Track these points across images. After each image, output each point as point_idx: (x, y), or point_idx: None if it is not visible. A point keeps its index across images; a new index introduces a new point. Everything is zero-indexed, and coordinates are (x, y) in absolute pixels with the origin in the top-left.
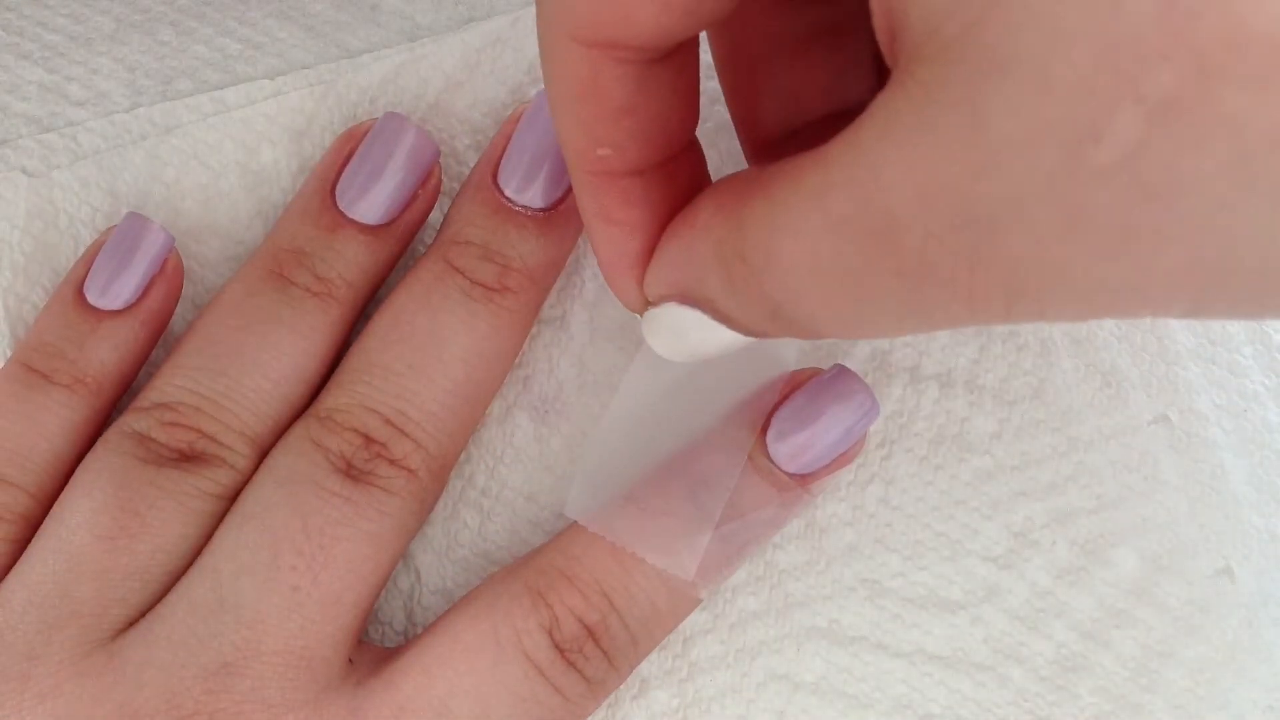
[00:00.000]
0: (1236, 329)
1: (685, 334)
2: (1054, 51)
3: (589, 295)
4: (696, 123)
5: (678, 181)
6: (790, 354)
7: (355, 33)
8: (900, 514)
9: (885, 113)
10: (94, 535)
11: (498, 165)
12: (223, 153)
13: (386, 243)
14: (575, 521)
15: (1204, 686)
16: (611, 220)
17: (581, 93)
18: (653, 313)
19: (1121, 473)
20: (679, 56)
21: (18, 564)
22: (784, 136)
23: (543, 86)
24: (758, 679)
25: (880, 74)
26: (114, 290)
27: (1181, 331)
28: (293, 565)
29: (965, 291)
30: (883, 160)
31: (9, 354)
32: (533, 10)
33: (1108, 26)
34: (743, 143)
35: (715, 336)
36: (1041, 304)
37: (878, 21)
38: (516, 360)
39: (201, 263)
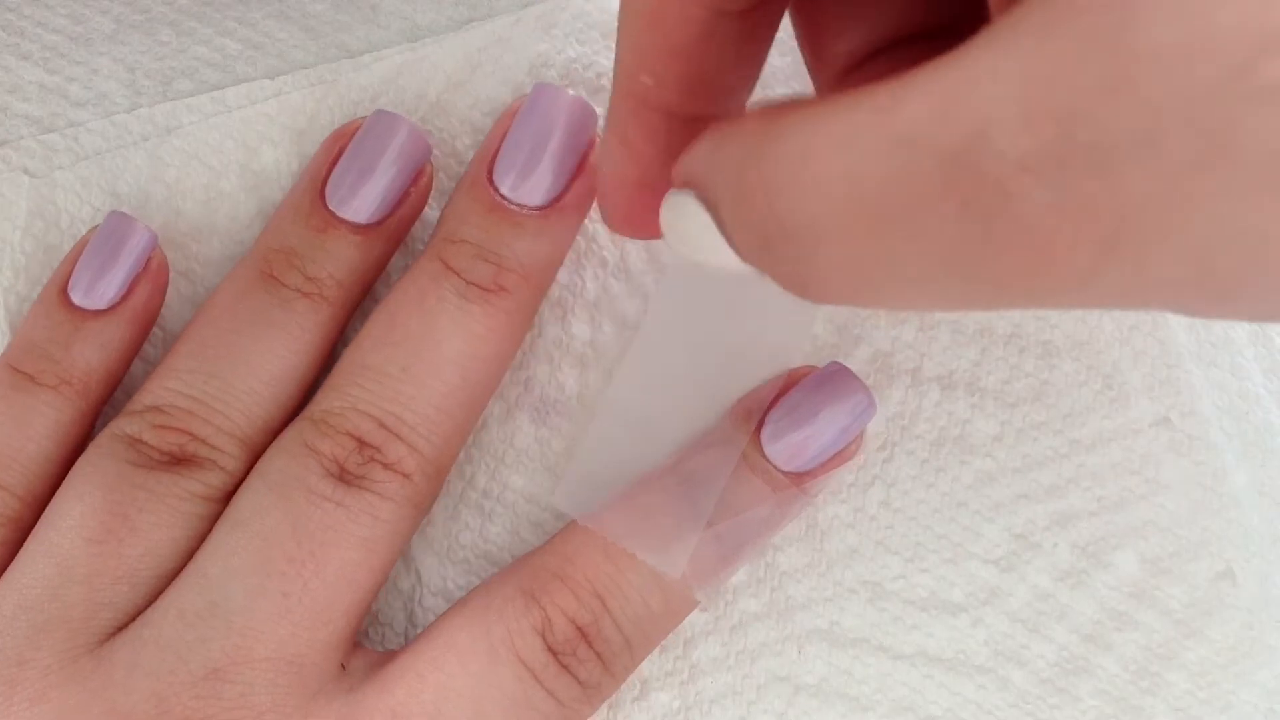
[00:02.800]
0: (1238, 331)
1: (689, 226)
2: None
3: (590, 296)
4: (748, 92)
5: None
6: (795, 353)
7: (355, 33)
8: (901, 516)
9: (1008, 20)
10: (83, 539)
11: (493, 162)
12: (224, 153)
13: (378, 242)
14: (569, 522)
15: (1205, 689)
16: (627, 143)
17: (646, 17)
18: (672, 197)
19: (1123, 475)
20: (755, 16)
21: (8, 569)
22: (853, 65)
23: (540, 81)
24: (759, 681)
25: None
26: (98, 290)
27: (1183, 333)
28: (283, 571)
29: (1046, 240)
30: (987, 69)
31: None
32: (533, 11)
33: None
34: (817, 82)
35: (713, 244)
36: (1140, 267)
37: None
38: (517, 361)
39: (203, 263)
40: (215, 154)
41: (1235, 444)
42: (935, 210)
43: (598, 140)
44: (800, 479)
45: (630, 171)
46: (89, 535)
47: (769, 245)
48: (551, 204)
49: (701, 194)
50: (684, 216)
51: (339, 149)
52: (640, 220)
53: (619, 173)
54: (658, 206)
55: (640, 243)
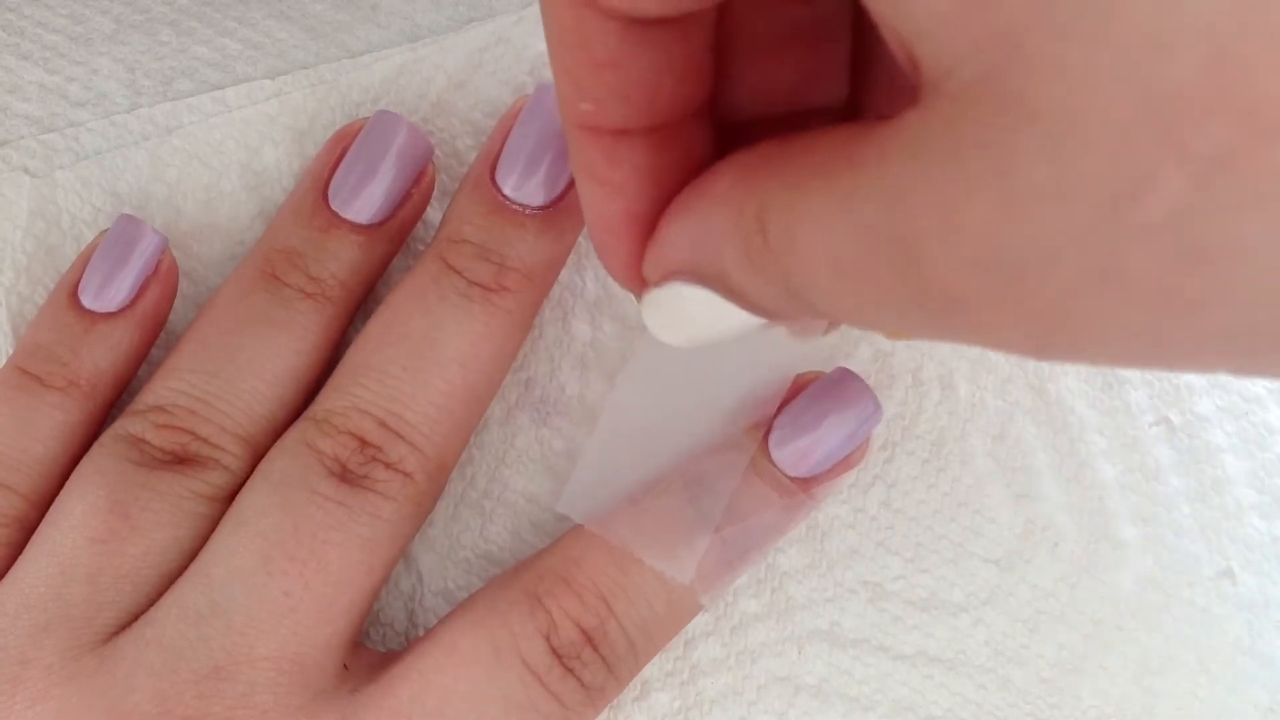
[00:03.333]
0: None
1: (690, 316)
2: (1089, 104)
3: (591, 296)
4: (698, 95)
5: (673, 152)
6: (793, 354)
7: (355, 33)
8: (902, 516)
9: (913, 133)
10: (86, 538)
11: (495, 161)
12: (225, 153)
13: (380, 242)
14: (575, 525)
15: (1205, 688)
16: (596, 178)
17: (566, 40)
18: (654, 294)
19: (1123, 475)
20: (676, 25)
21: (12, 568)
22: (738, 125)
23: (542, 81)
24: (759, 681)
25: (854, 81)
26: (108, 293)
27: None
28: (285, 570)
29: (990, 329)
30: (909, 184)
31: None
32: (534, 11)
33: (1150, 79)
34: None
35: (723, 317)
36: (1075, 352)
37: (893, 47)
38: (518, 361)
39: (204, 263)
40: (216, 154)
41: (1235, 444)
42: (902, 293)
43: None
44: (807, 484)
45: (613, 206)
46: (92, 534)
47: (790, 295)
48: (554, 204)
49: (696, 276)
50: (680, 304)
51: (341, 150)
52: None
53: (603, 213)
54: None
55: None
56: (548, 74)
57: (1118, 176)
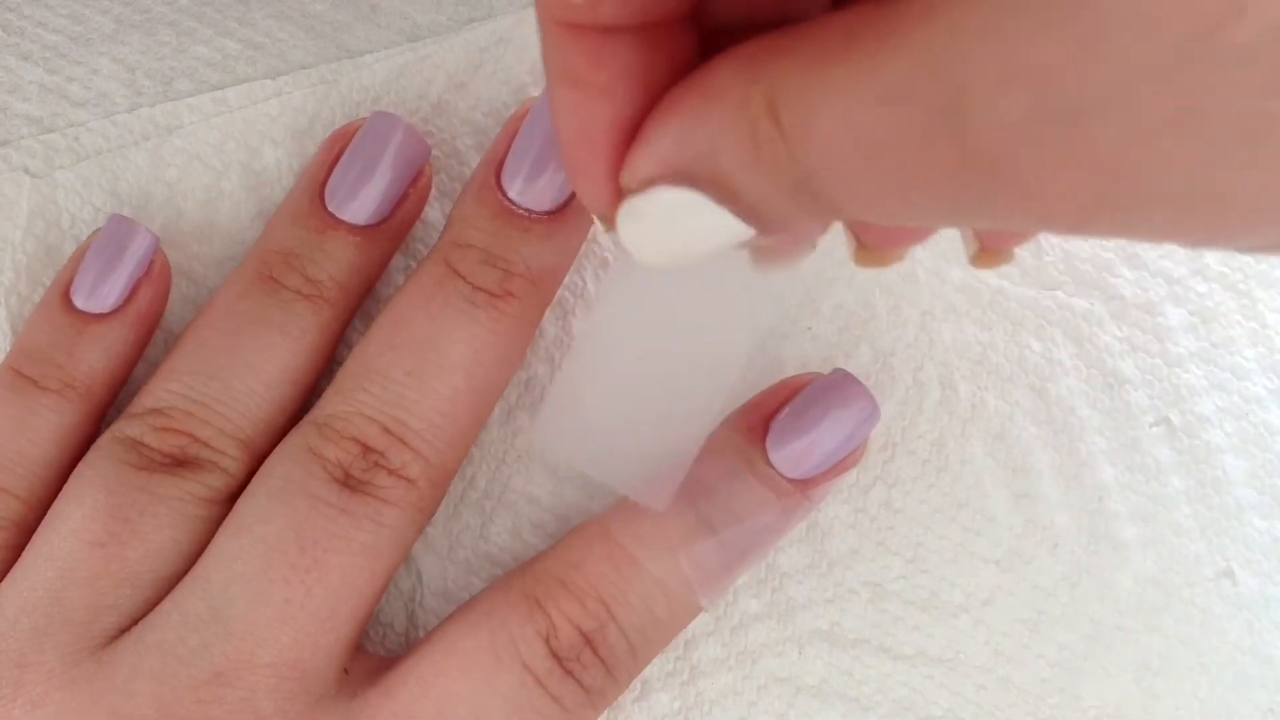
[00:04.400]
0: (1239, 331)
1: (674, 226)
2: None
3: (591, 296)
4: None
5: (662, 54)
6: (769, 294)
7: (355, 33)
8: (902, 517)
9: None
10: (85, 542)
11: (501, 165)
12: (225, 153)
13: (378, 243)
14: (575, 528)
15: (1206, 689)
16: (577, 82)
17: None
18: (634, 202)
19: (1123, 475)
20: None
21: (11, 571)
22: (718, 31)
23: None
24: (759, 681)
25: None
26: (100, 293)
27: (1183, 334)
28: (286, 578)
29: (1036, 194)
30: (962, 26)
31: None
32: (534, 11)
33: None
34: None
35: (711, 227)
36: (1126, 214)
37: None
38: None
39: (204, 263)
40: (216, 154)
41: (1235, 444)
42: (936, 163)
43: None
44: (805, 486)
45: (596, 112)
46: (91, 538)
47: (796, 189)
48: (560, 209)
49: (689, 176)
50: (664, 211)
51: (338, 151)
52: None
53: (583, 122)
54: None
55: None
56: None
57: None
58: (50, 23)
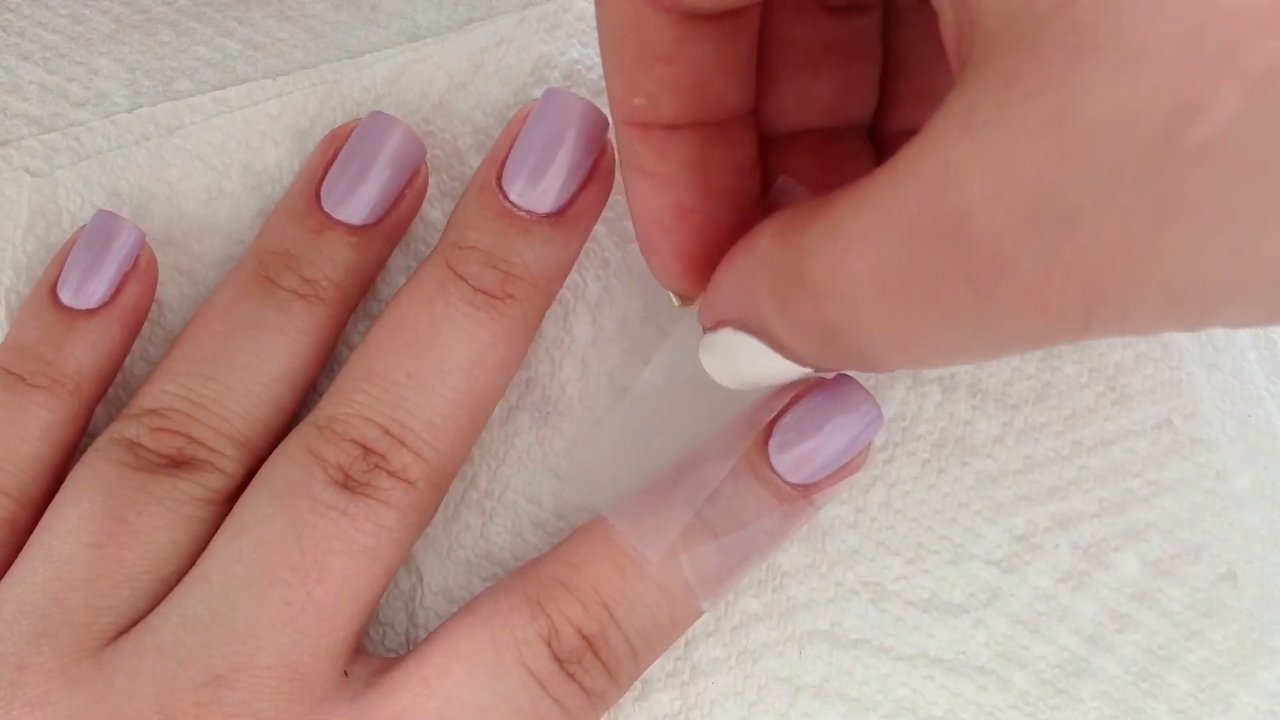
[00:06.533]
0: (1241, 334)
1: (740, 361)
2: (1150, 26)
3: (592, 296)
4: (745, 97)
5: (720, 149)
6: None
7: (356, 33)
8: (903, 517)
9: (961, 106)
10: (83, 543)
11: (503, 166)
12: (226, 153)
13: (374, 243)
14: (576, 531)
15: (1206, 691)
16: (644, 171)
17: (623, 32)
18: (709, 337)
19: (1124, 477)
20: (728, 22)
21: (8, 573)
22: (778, 138)
23: (550, 85)
24: (760, 681)
25: (884, 98)
26: (87, 289)
27: (1185, 336)
28: (286, 580)
29: (1042, 297)
30: (956, 156)
31: None
32: (536, 11)
33: (1208, 1)
34: None
35: (769, 365)
36: (1125, 307)
37: (946, 18)
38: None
39: (205, 263)
40: (218, 154)
41: (1237, 446)
42: (948, 283)
43: (609, 148)
44: (807, 490)
45: (662, 200)
46: (89, 539)
47: (827, 342)
48: (561, 210)
49: (743, 325)
50: (730, 349)
51: (334, 151)
52: (690, 253)
53: (651, 206)
54: (703, 236)
55: None
56: (550, 75)
57: (1177, 97)
58: (50, 23)
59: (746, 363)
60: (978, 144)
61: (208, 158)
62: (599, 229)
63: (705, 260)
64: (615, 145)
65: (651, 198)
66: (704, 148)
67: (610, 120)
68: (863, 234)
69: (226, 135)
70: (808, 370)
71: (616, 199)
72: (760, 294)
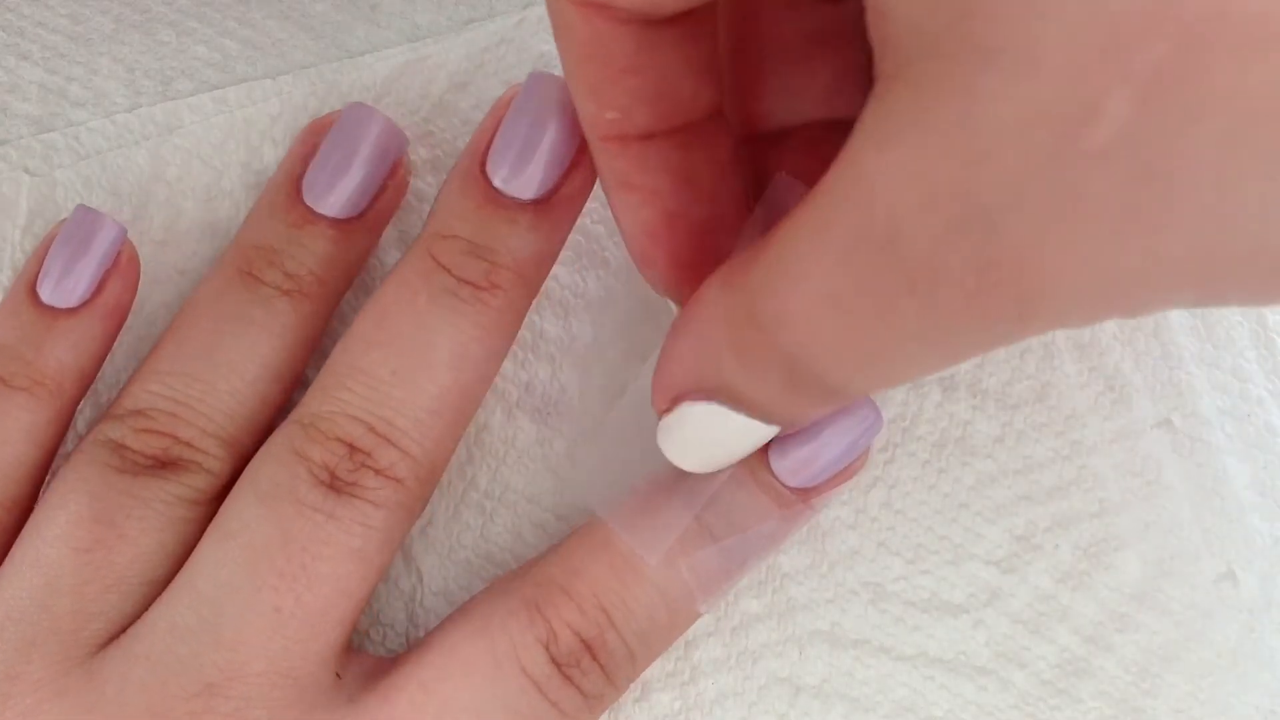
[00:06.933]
0: (1240, 333)
1: (703, 434)
2: (1042, 35)
3: (592, 296)
4: (716, 95)
5: (698, 151)
6: None
7: (355, 33)
8: (903, 517)
9: (875, 118)
10: (71, 548)
11: (486, 153)
12: (225, 152)
13: (357, 236)
14: (574, 534)
15: (1206, 691)
16: (629, 186)
17: (585, 53)
18: (667, 420)
19: (1124, 477)
20: (686, 23)
21: None
22: (774, 135)
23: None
24: (760, 682)
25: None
26: (66, 286)
27: (1185, 335)
28: (274, 586)
29: (978, 300)
30: (879, 167)
31: None
32: (536, 11)
33: (1094, 6)
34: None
35: (734, 430)
36: (1052, 305)
37: (871, 28)
38: (518, 362)
39: (204, 262)
40: (217, 153)
41: (1237, 446)
42: (893, 296)
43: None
44: (806, 494)
45: (650, 212)
46: (76, 544)
47: (791, 379)
48: (546, 197)
49: (702, 391)
50: (691, 426)
51: (313, 144)
52: (687, 260)
53: (641, 219)
54: (696, 241)
55: None
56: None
57: (1070, 102)
58: (50, 23)
59: (709, 434)
60: (896, 155)
61: (207, 157)
62: (599, 229)
63: (699, 264)
64: (596, 164)
65: (639, 210)
66: (684, 152)
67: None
68: (805, 261)
69: (226, 135)
70: (774, 430)
71: None
72: (717, 347)
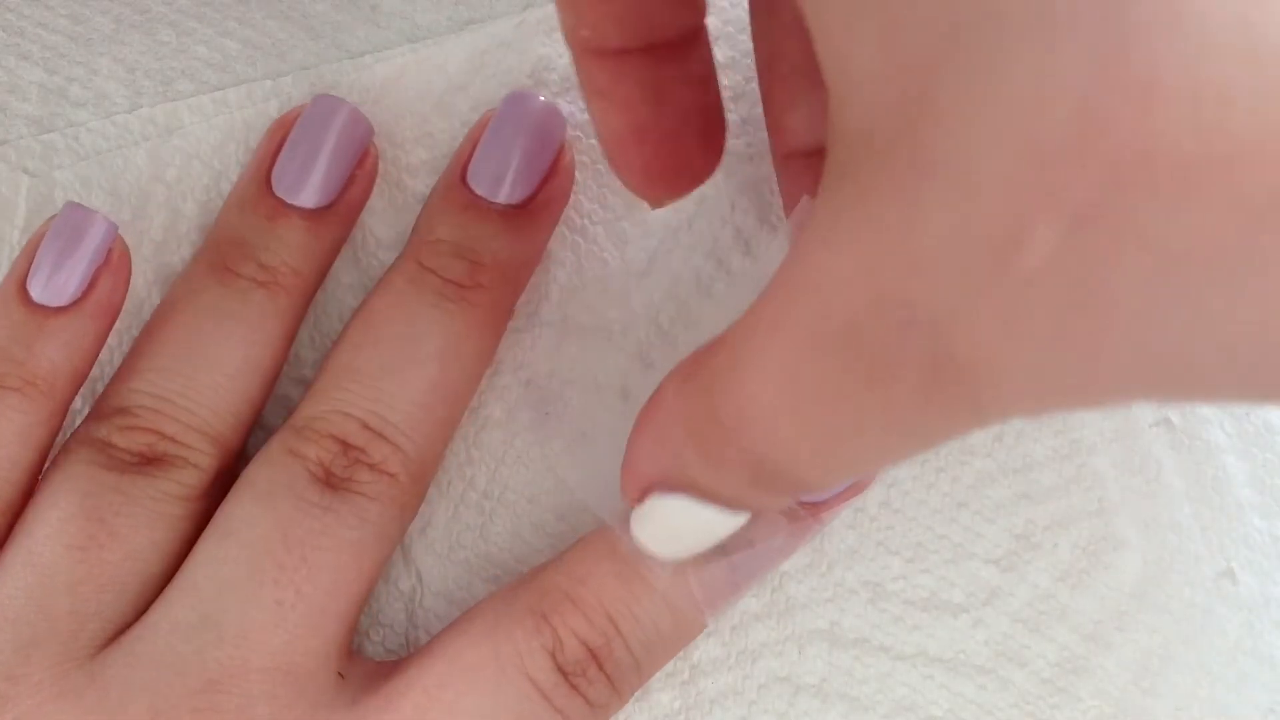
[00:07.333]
0: None
1: (673, 525)
2: (979, 154)
3: (592, 297)
4: (693, 18)
5: (671, 67)
6: None
7: (355, 33)
8: (902, 517)
9: (827, 213)
10: (64, 546)
11: (466, 165)
12: (225, 153)
13: (329, 226)
14: (579, 540)
15: (1205, 689)
16: (602, 94)
17: None
18: (637, 512)
19: (1123, 475)
20: None
21: None
22: (810, 151)
23: (544, 88)
24: (759, 681)
25: None
26: (57, 284)
27: None
28: (275, 579)
29: (931, 395)
30: (831, 263)
31: None
32: (535, 14)
33: (1027, 130)
34: (773, 149)
35: (704, 520)
36: (1006, 403)
37: (830, 111)
38: (518, 362)
39: None
40: (217, 154)
41: (1236, 444)
42: (852, 389)
43: (567, 146)
44: (816, 509)
45: (621, 119)
46: (69, 542)
47: (755, 474)
48: (525, 203)
49: (668, 484)
50: (661, 518)
51: (281, 137)
52: (656, 170)
53: (612, 126)
54: (664, 151)
55: (639, 245)
56: (549, 78)
57: (1002, 225)
58: (50, 23)
59: (681, 525)
60: (846, 257)
61: (206, 158)
62: (597, 230)
63: (671, 170)
64: (575, 70)
65: (610, 118)
66: (656, 69)
67: (563, 115)
68: (763, 359)
69: (225, 136)
70: (744, 518)
71: (612, 200)
72: (678, 446)
